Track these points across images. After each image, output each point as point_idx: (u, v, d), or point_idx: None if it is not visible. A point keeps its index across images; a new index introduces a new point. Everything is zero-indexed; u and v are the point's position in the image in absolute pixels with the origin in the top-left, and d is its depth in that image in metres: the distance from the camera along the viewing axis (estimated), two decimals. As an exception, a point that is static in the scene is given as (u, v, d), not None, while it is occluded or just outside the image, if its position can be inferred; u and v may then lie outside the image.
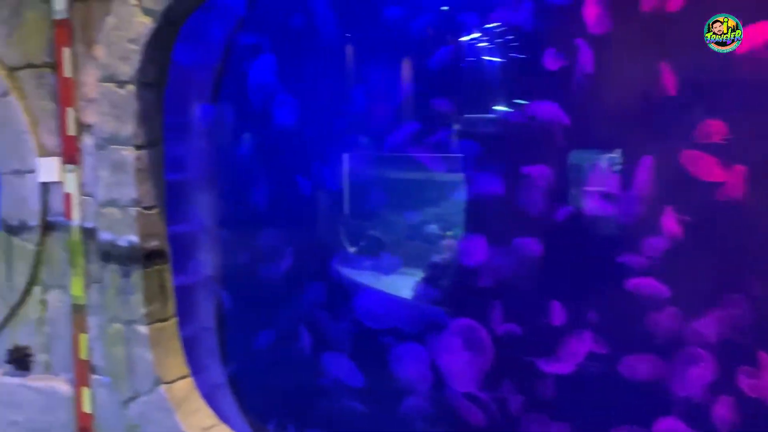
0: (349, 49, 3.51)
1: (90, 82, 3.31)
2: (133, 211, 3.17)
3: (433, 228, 4.59)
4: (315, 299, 3.56)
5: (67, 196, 3.44)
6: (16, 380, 3.68)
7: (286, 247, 3.75)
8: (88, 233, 3.39)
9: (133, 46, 3.08)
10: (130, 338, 3.26)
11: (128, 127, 3.14)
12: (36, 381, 3.66)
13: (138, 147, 3.15)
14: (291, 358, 3.59)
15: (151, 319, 3.22)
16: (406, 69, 3.36)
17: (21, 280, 3.62)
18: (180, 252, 3.50)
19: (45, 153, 3.52)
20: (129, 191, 3.17)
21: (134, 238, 3.19)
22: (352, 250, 4.55)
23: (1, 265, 3.67)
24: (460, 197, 3.66)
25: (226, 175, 3.87)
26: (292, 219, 3.89)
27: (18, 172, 3.56)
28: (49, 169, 3.50)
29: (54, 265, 3.60)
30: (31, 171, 3.54)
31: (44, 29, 3.45)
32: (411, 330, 3.05)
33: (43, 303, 3.65)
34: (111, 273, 3.28)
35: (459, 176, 3.40)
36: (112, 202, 3.23)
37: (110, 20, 3.13)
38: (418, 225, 4.31)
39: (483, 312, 2.94)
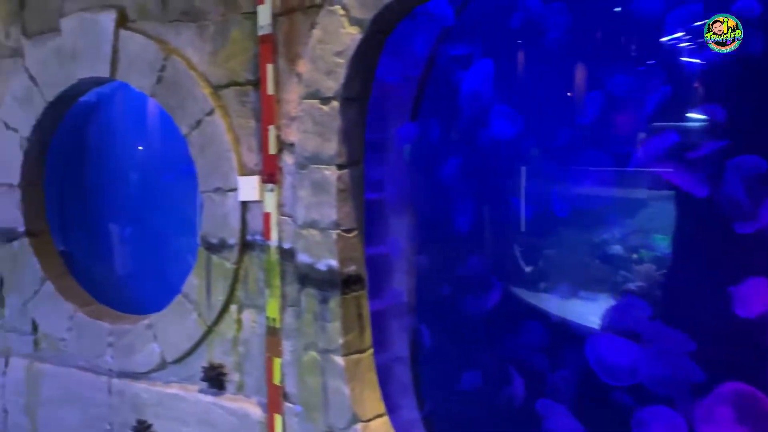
0: (582, 51, 3.04)
1: (292, 99, 3.15)
2: (333, 233, 2.94)
3: (618, 249, 3.98)
4: (531, 339, 3.12)
5: (266, 216, 3.31)
6: (210, 398, 3.62)
7: (494, 277, 3.34)
8: (286, 254, 3.23)
9: (339, 59, 2.86)
10: (326, 368, 3.02)
11: (331, 146, 2.92)
12: (229, 401, 3.57)
13: (340, 166, 2.92)
14: (498, 404, 3.17)
15: (348, 350, 2.96)
16: (656, 72, 2.84)
17: (219, 298, 3.56)
18: (373, 276, 3.23)
19: (245, 172, 3.44)
20: (329, 212, 2.95)
21: (333, 262, 2.96)
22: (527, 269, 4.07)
23: (201, 282, 3.64)
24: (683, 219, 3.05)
25: (426, 195, 3.56)
26: (502, 246, 3.48)
27: (219, 191, 3.51)
28: (249, 187, 3.40)
29: (250, 285, 3.49)
30: (233, 189, 3.47)
31: (248, 47, 3.36)
32: (657, 389, 2.50)
33: (239, 322, 3.56)
34: (308, 297, 3.08)
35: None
36: (311, 224, 3.03)
37: (316, 33, 2.94)
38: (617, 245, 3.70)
39: (757, 374, 2.32)
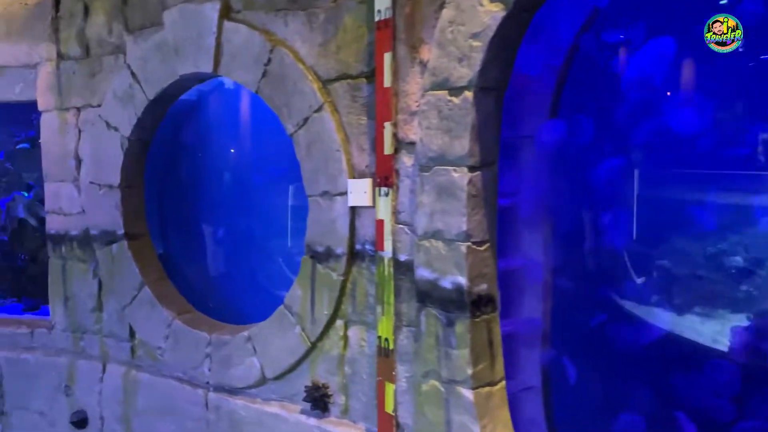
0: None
1: (413, 91, 2.72)
2: (463, 246, 2.48)
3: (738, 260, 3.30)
4: (708, 380, 2.55)
5: (380, 224, 2.90)
6: (312, 421, 3.25)
7: (661, 305, 2.77)
8: (402, 267, 2.81)
9: (475, 42, 2.40)
10: (451, 401, 2.57)
11: (461, 144, 2.47)
12: (333, 425, 3.18)
13: (472, 168, 2.46)
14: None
15: (478, 383, 2.50)
16: None
17: (324, 311, 3.19)
18: (502, 294, 2.76)
19: (356, 174, 3.05)
20: (458, 222, 2.50)
21: (461, 280, 2.50)
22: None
23: (304, 293, 3.28)
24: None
25: (570, 202, 3.04)
26: (672, 266, 2.88)
27: (327, 194, 3.13)
28: (360, 191, 3.01)
29: (359, 299, 3.10)
30: (341, 193, 3.09)
31: (362, 35, 2.97)
32: None
33: (345, 339, 3.17)
34: (429, 318, 2.64)
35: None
36: (435, 234, 2.59)
37: (446, 13, 2.50)
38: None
39: None
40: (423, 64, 2.66)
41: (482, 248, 2.52)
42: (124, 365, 4.04)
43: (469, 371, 2.49)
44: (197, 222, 4.61)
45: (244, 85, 3.38)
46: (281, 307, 3.38)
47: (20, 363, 4.36)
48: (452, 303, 2.52)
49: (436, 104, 2.55)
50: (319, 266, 3.20)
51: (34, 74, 4.23)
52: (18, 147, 5.04)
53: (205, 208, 4.62)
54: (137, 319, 3.94)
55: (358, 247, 3.06)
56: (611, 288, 2.94)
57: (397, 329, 2.84)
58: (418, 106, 2.68)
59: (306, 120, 3.16)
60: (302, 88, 3.16)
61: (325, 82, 3.11)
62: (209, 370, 3.65)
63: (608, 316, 2.89)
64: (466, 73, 2.43)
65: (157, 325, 3.85)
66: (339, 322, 3.17)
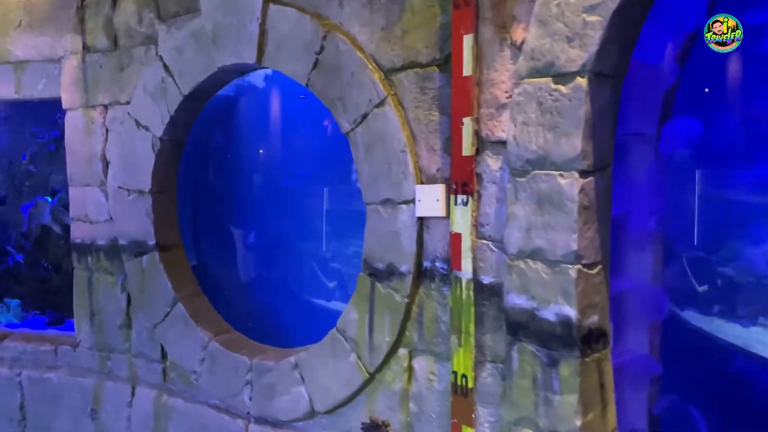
0: None
1: (502, 80, 2.23)
2: (572, 269, 1.99)
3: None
4: None
5: (455, 238, 2.42)
6: (371, 463, 2.79)
7: None
8: (486, 291, 2.32)
9: (592, 17, 1.90)
10: (552, 458, 2.09)
11: (571, 143, 1.98)
12: (395, 470, 2.73)
13: (584, 173, 1.97)
14: None
15: (590, 437, 2.01)
16: None
17: (385, 338, 2.71)
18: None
19: (424, 179, 2.57)
20: (565, 239, 2.00)
21: (569, 311, 2.01)
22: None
23: (361, 316, 2.81)
24: None
25: (697, 216, 2.51)
26: None
27: (389, 203, 2.66)
28: (430, 200, 2.52)
29: (427, 326, 2.62)
30: (407, 202, 2.61)
31: (434, 16, 2.48)
32: None
33: (410, 371, 2.69)
34: (523, 355, 2.14)
35: None
36: (533, 253, 2.09)
37: (551, -17, 2.02)
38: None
39: None
40: (516, 47, 2.17)
41: (594, 271, 2.02)
42: (154, 389, 3.60)
43: (578, 422, 1.99)
44: (234, 230, 4.16)
45: (292, 77, 2.91)
46: (333, 331, 2.90)
47: (43, 383, 3.95)
48: (556, 339, 2.02)
49: (535, 95, 2.05)
50: (379, 285, 2.72)
51: (58, 69, 3.81)
52: (44, 149, 4.65)
53: (242, 215, 4.18)
54: (169, 339, 3.49)
55: (426, 264, 2.58)
56: (752, 324, 2.39)
57: (478, 364, 2.35)
58: (509, 98, 2.19)
59: (365, 116, 2.69)
60: (361, 79, 2.68)
61: (388, 72, 2.63)
62: (250, 399, 3.19)
63: (747, 359, 2.34)
64: (578, 55, 1.93)
65: (192, 346, 3.40)
66: (402, 351, 2.69)
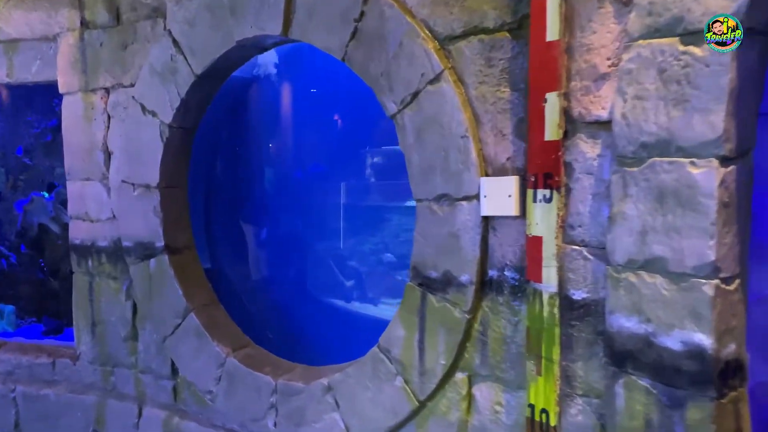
0: None
1: (604, 44, 1.76)
2: (708, 286, 1.52)
3: None
4: None
5: (534, 242, 1.96)
6: (421, 506, 2.33)
7: None
8: (577, 309, 1.85)
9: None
10: None
11: (709, 121, 1.50)
12: None
13: (725, 160, 1.51)
14: None
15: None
16: None
17: (439, 360, 2.26)
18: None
19: (490, 170, 2.11)
20: (699, 247, 1.51)
21: (702, 338, 1.54)
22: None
23: (409, 334, 2.35)
24: None
25: None
26: None
27: (446, 198, 2.19)
28: (500, 195, 2.06)
29: (492, 347, 2.15)
30: (468, 198, 2.14)
31: (505, -31, 2.03)
32: None
33: (469, 399, 2.24)
34: (634, 392, 1.67)
35: None
36: (650, 264, 1.63)
37: None
38: None
39: None
40: (623, 2, 1.70)
41: (732, 287, 1.55)
42: (164, 409, 3.14)
43: (712, 479, 1.53)
44: (252, 230, 3.69)
45: (326, 51, 2.43)
46: (375, 349, 2.44)
47: (40, 400, 3.49)
48: (681, 374, 1.56)
49: (655, 60, 1.57)
50: (431, 298, 2.26)
51: (54, 48, 3.33)
52: (40, 139, 4.19)
53: (262, 213, 3.71)
54: (181, 354, 3.03)
55: (492, 273, 2.12)
56: None
57: (565, 398, 1.89)
58: (612, 66, 1.72)
59: (416, 95, 2.22)
60: (411, 50, 2.21)
61: (445, 41, 2.16)
62: (275, 425, 2.73)
63: None
64: (722, 6, 1.46)
65: (207, 362, 2.94)
66: (460, 376, 2.23)
